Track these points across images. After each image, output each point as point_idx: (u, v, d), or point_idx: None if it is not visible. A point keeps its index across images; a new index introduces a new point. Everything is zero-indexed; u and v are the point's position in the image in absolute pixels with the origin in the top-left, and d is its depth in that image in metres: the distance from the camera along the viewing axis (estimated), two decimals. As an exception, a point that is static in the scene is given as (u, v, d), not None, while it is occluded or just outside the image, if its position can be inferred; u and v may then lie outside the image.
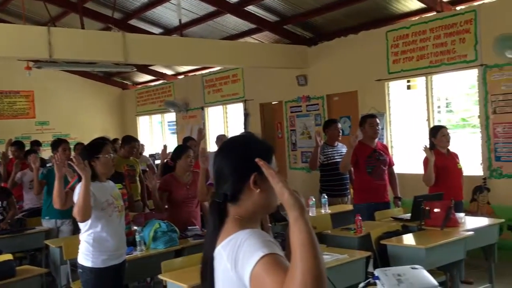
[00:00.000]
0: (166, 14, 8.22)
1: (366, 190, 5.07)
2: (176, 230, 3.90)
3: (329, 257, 3.35)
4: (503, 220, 5.00)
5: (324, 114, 7.85)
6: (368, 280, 2.69)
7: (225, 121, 9.93)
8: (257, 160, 1.43)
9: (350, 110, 7.48)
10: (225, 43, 7.99)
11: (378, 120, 5.15)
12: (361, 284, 2.70)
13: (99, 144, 3.30)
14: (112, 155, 3.30)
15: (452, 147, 5.06)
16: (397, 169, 6.82)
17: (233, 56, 7.54)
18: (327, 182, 5.73)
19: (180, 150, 4.49)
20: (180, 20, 7.06)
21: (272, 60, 7.81)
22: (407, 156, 6.77)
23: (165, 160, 5.77)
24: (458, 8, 6.15)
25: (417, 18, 6.58)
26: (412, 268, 2.63)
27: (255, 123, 9.11)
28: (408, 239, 3.95)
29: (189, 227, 4.19)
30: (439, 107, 6.58)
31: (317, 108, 8.00)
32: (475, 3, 5.98)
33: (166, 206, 4.36)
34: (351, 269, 3.36)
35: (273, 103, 8.92)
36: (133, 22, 8.67)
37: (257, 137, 1.69)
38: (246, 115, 9.23)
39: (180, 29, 7.47)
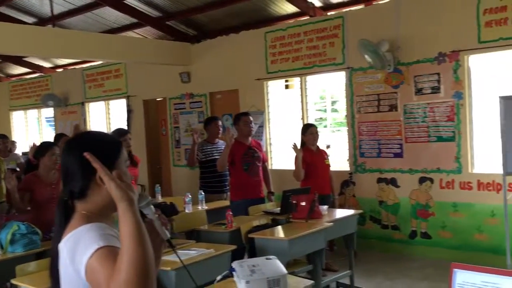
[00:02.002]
0: (38, 2, 7.72)
1: (242, 187, 5.23)
2: (37, 232, 3.70)
3: (195, 252, 3.42)
4: (361, 211, 5.46)
5: (207, 112, 7.93)
6: (226, 272, 2.79)
7: (107, 117, 9.59)
8: (85, 154, 1.42)
9: (232, 108, 7.63)
10: (105, 36, 7.72)
11: (251, 118, 5.33)
12: (218, 277, 2.79)
13: None
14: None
15: (334, 145, 5.38)
16: (276, 165, 7.17)
17: (115, 51, 7.31)
18: (206, 179, 5.80)
19: (44, 147, 4.26)
20: (52, 9, 6.67)
21: (155, 56, 7.71)
22: (285, 153, 7.09)
23: (27, 158, 5.43)
24: (328, 13, 6.57)
25: (292, 21, 6.91)
26: (267, 258, 2.77)
27: (139, 119, 8.94)
28: (274, 232, 4.16)
29: (54, 228, 4.00)
30: (324, 106, 6.97)
31: (201, 106, 8.06)
32: (343, 10, 6.44)
33: (29, 208, 4.12)
34: (217, 263, 3.45)
35: (157, 99, 8.81)
36: (2, 9, 8.03)
37: (104, 133, 1.71)
38: (129, 112, 9.02)
39: (53, 19, 7.06)
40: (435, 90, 5.57)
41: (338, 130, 6.72)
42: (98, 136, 1.64)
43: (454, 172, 5.49)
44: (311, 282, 2.87)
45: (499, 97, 4.26)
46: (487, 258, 4.99)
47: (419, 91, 5.70)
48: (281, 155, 7.10)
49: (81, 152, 1.44)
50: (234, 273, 2.70)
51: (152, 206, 1.53)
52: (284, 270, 2.64)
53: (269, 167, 7.05)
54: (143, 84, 8.73)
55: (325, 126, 6.98)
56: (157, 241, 1.57)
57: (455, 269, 2.17)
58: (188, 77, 8.09)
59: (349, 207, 6.14)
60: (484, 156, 5.45)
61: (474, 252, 5.32)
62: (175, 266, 3.12)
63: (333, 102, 6.97)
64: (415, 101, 5.74)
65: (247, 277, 2.57)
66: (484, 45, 5.19)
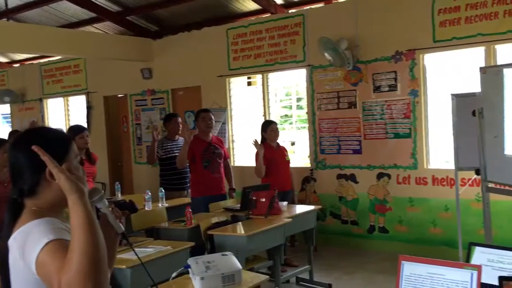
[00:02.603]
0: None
1: (203, 184, 5.21)
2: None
3: (152, 250, 3.39)
4: (320, 207, 5.53)
5: (169, 108, 7.86)
6: (181, 269, 2.78)
7: (66, 114, 9.37)
8: (33, 147, 1.40)
9: (194, 105, 7.58)
10: (63, 31, 7.53)
11: (211, 115, 5.32)
12: (174, 274, 2.78)
13: None
14: None
15: (299, 142, 5.41)
16: (238, 162, 7.18)
17: (73, 46, 7.15)
18: (167, 177, 5.76)
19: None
20: (6, 2, 6.46)
21: (116, 52, 7.58)
22: (247, 149, 7.10)
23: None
24: (290, 11, 6.62)
25: (254, 18, 6.92)
26: (223, 255, 2.79)
27: (99, 116, 8.78)
28: (233, 228, 4.17)
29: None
30: (290, 104, 7.00)
31: (162, 102, 7.98)
32: (304, 8, 6.50)
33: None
34: (175, 260, 3.43)
35: (118, 96, 8.67)
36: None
37: (54, 128, 1.69)
38: (89, 108, 8.84)
39: (8, 13, 6.84)
40: (392, 88, 5.70)
41: (303, 127, 6.79)
42: (47, 131, 1.63)
43: (410, 168, 5.64)
44: (266, 277, 2.90)
45: (451, 94, 4.40)
46: (441, 251, 5.15)
47: (377, 89, 5.83)
48: (243, 152, 7.12)
49: (29, 147, 1.42)
50: (189, 269, 2.70)
51: (105, 200, 1.55)
52: (239, 265, 2.66)
53: (232, 164, 7.08)
54: (104, 80, 8.57)
55: (291, 123, 7.05)
56: (111, 235, 1.59)
57: (403, 261, 2.24)
58: (149, 73, 7.99)
59: (310, 203, 6.22)
60: (438, 152, 5.62)
61: (429, 245, 5.48)
62: (130, 264, 3.09)
63: (299, 99, 7.04)
64: (373, 98, 5.86)
65: (202, 273, 2.57)
66: (439, 44, 5.35)
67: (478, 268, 2.03)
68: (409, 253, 4.69)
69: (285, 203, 4.77)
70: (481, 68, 3.98)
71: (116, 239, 1.62)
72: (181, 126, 5.87)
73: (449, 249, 5.17)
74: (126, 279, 3.10)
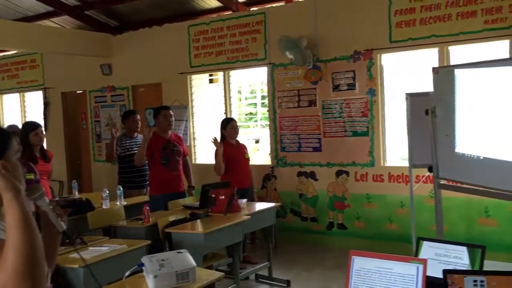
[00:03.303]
0: None
1: (161, 181, 5.16)
2: None
3: (107, 249, 3.34)
4: (279, 204, 5.57)
5: (129, 105, 7.74)
6: (134, 267, 2.75)
7: (22, 110, 9.09)
8: None
9: (155, 102, 7.48)
10: (19, 24, 7.29)
11: (171, 112, 5.28)
12: (127, 273, 2.75)
13: None
14: None
15: (263, 139, 5.37)
16: (200, 160, 7.14)
17: (30, 40, 6.95)
18: (125, 174, 5.68)
19: None
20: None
21: (74, 47, 7.41)
22: (209, 147, 7.07)
23: None
24: (251, 9, 6.63)
25: (216, 15, 6.90)
26: (178, 252, 2.77)
27: (57, 113, 8.55)
28: (192, 226, 4.15)
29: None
30: (255, 102, 7.00)
31: (123, 99, 7.86)
32: (266, 6, 6.53)
33: None
34: (130, 258, 3.38)
35: (76, 92, 8.47)
36: None
37: None
38: (46, 104, 8.60)
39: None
40: (351, 86, 5.80)
41: (267, 125, 6.81)
42: None
43: (368, 166, 5.76)
44: (221, 274, 2.90)
45: (406, 94, 4.51)
46: (397, 246, 5.28)
47: (336, 88, 5.91)
48: (205, 149, 7.09)
49: None
50: (143, 268, 2.67)
51: (46, 198, 1.53)
52: (193, 263, 2.65)
53: (193, 162, 7.05)
54: (61, 76, 8.36)
55: (255, 121, 7.06)
56: (52, 233, 1.56)
57: (353, 256, 2.29)
58: (109, 69, 7.85)
59: (270, 200, 6.24)
60: (395, 150, 5.76)
61: (385, 241, 5.61)
62: (83, 263, 3.03)
63: (264, 97, 7.06)
64: (333, 97, 5.95)
65: (155, 271, 2.55)
66: (395, 44, 5.48)
67: (424, 262, 2.10)
68: (366, 248, 4.75)
69: (244, 200, 4.78)
70: (433, 69, 4.10)
71: (57, 238, 1.59)
72: (140, 123, 5.80)
73: (404, 244, 5.30)
74: (78, 278, 3.04)
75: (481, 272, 2.08)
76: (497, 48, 4.93)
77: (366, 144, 5.76)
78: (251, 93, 7.15)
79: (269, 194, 6.50)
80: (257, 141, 7.06)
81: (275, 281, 4.88)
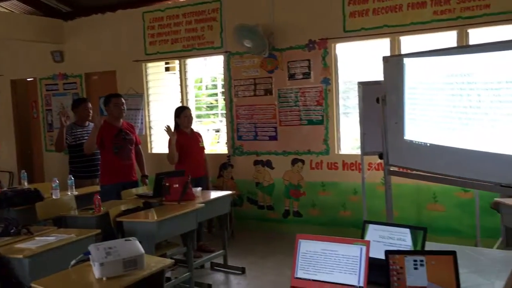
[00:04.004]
0: None
1: (113, 171, 5.07)
2: None
3: (54, 238, 3.25)
4: (234, 192, 5.57)
5: (82, 94, 7.54)
6: (80, 256, 2.69)
7: (-32, 98, 8.68)
8: None
9: (109, 90, 7.25)
10: (-37, 8, 6.97)
11: (123, 100, 5.17)
12: (73, 262, 2.68)
13: None
14: None
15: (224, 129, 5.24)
16: (156, 149, 7.05)
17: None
18: (76, 164, 5.54)
19: None
20: None
21: (23, 33, 7.13)
22: (165, 136, 6.97)
23: None
24: (207, -4, 6.55)
25: (171, 2, 6.78)
26: (126, 240, 2.72)
27: (6, 101, 8.24)
28: (144, 214, 4.09)
29: None
30: (216, 91, 6.90)
31: (75, 87, 7.64)
32: (222, -6, 6.47)
33: None
34: (79, 248, 3.30)
35: (27, 80, 8.17)
36: None
37: None
38: (-6, 92, 8.26)
39: None
40: (306, 75, 5.85)
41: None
42: None
43: (323, 154, 5.84)
44: (171, 261, 2.88)
45: (358, 82, 4.59)
46: (351, 232, 5.39)
47: (291, 76, 5.95)
48: (162, 139, 6.99)
49: None
50: (90, 256, 2.61)
51: None
52: (141, 250, 2.62)
53: (149, 151, 6.96)
54: (11, 63, 8.05)
55: (217, 110, 7.00)
56: None
57: (300, 240, 2.32)
58: (60, 56, 7.61)
59: (227, 189, 6.24)
60: (349, 138, 5.86)
61: (339, 227, 5.72)
62: (28, 253, 2.95)
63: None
64: (288, 86, 5.98)
65: (102, 259, 2.50)
66: (349, 34, 5.55)
67: (367, 243, 2.15)
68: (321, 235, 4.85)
69: (199, 188, 4.75)
70: (383, 58, 4.18)
71: None
72: (91, 111, 5.65)
73: (357, 230, 5.35)
74: (24, 269, 2.95)
75: (420, 252, 2.15)
76: (445, 38, 5.07)
77: (321, 133, 5.83)
78: (212, 81, 7.09)
79: (226, 183, 6.49)
80: (217, 131, 7.02)
81: (230, 268, 4.90)
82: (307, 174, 5.95)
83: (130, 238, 2.75)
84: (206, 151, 5.78)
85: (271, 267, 4.91)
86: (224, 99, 6.49)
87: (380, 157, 4.38)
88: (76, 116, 5.66)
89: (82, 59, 7.44)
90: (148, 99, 7.11)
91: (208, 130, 7.23)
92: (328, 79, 5.72)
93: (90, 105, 5.69)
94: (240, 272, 4.81)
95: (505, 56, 3.04)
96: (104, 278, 2.48)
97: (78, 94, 7.53)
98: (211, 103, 7.06)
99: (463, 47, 4.31)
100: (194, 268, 4.49)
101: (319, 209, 5.92)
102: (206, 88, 7.21)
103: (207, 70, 7.04)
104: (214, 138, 7.14)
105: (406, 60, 3.97)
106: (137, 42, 6.96)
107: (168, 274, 4.57)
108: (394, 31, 5.29)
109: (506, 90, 3.04)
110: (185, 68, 6.80)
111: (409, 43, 5.28)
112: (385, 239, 2.49)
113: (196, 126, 6.59)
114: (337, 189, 5.77)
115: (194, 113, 6.65)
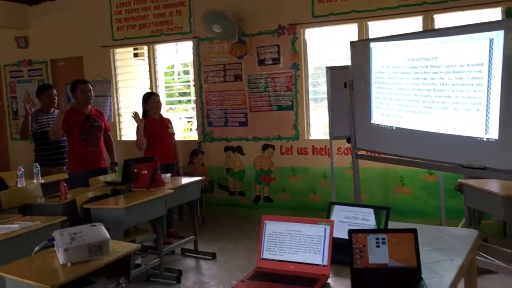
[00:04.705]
0: None
1: (81, 158, 4.98)
2: None
3: (17, 226, 3.19)
4: (204, 177, 5.54)
5: (48, 80, 7.37)
6: (44, 242, 2.65)
7: None
8: None
9: (76, 77, 7.06)
10: None
11: (90, 86, 5.07)
12: (36, 248, 2.64)
13: None
14: None
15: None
16: (126, 136, 6.96)
17: None
18: (43, 152, 5.42)
19: None
20: None
21: (-15, 17, 6.90)
22: (134, 123, 6.88)
23: None
24: (175, -19, 6.46)
25: (138, -14, 6.67)
26: (92, 225, 2.70)
27: (-32, 88, 7.97)
28: (112, 201, 4.05)
29: None
30: (188, 79, 6.83)
31: (41, 74, 7.46)
32: (190, -22, 6.38)
33: None
34: (44, 235, 3.24)
35: (-10, 66, 7.92)
36: None
37: None
38: (-44, 79, 7.98)
39: None
40: (276, 61, 5.85)
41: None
42: None
43: (293, 139, 5.87)
44: (137, 245, 2.87)
45: (326, 67, 4.62)
46: (321, 216, 5.40)
47: (261, 62, 5.94)
48: (131, 126, 6.89)
49: None
50: (54, 242, 2.58)
51: None
52: (106, 235, 2.60)
53: (119, 139, 6.87)
54: (-28, 49, 7.77)
55: (189, 99, 6.93)
56: None
57: (266, 221, 2.34)
58: (25, 42, 7.40)
59: (198, 176, 6.21)
60: (318, 123, 5.90)
61: (310, 212, 5.78)
62: (-10, 241, 2.89)
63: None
64: (258, 71, 5.97)
65: (66, 244, 2.48)
66: (318, 19, 5.57)
67: (331, 223, 2.19)
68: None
69: (168, 175, 4.72)
70: (351, 42, 4.21)
71: None
72: (56, 98, 5.52)
73: (326, 214, 5.48)
74: (-15, 257, 2.89)
75: (382, 230, 2.19)
76: (412, 24, 5.14)
77: (291, 118, 5.85)
78: (184, 67, 7.01)
79: (197, 169, 6.47)
80: (189, 120, 6.97)
81: (200, 254, 4.90)
82: (277, 159, 5.98)
83: (96, 224, 2.73)
84: (177, 138, 5.74)
85: (241, 251, 4.94)
86: (194, 85, 6.44)
87: (348, 141, 4.43)
88: (41, 103, 5.53)
89: (48, 45, 7.26)
90: (116, 85, 6.99)
91: (181, 118, 7.18)
92: (298, 65, 5.74)
93: (55, 91, 5.56)
94: (210, 258, 4.82)
95: (466, 40, 3.10)
96: (69, 264, 2.46)
97: (44, 81, 7.35)
98: (182, 90, 7.00)
99: (426, 32, 4.38)
100: (165, 254, 4.48)
101: (290, 194, 5.97)
102: (179, 75, 7.14)
103: (179, 57, 6.97)
104: (187, 125, 7.10)
105: (372, 45, 4.01)
106: (104, 27, 6.82)
107: (138, 261, 4.55)
108: (361, 16, 5.32)
109: (468, 73, 3.11)
110: (154, 54, 6.71)
111: (377, 28, 5.33)
112: (349, 219, 2.53)
113: (169, 114, 6.55)
114: (307, 174, 5.82)
115: (164, 100, 6.61)
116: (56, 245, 2.53)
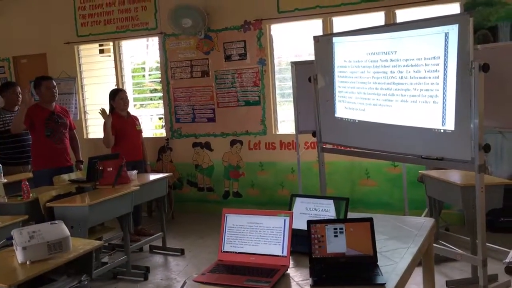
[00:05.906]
0: None
1: (45, 155, 4.89)
2: None
3: (-25, 226, 3.12)
4: (171, 174, 5.49)
5: (11, 78, 7.19)
6: (2, 241, 2.61)
7: None
8: None
9: (39, 74, 6.85)
10: None
11: (54, 83, 4.99)
12: (-6, 247, 2.61)
13: None
14: None
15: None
16: (92, 134, 6.86)
17: None
18: (6, 150, 5.29)
19: None
20: None
21: None
22: (101, 121, 6.80)
23: None
24: (141, -24, 6.39)
25: (100, -18, 6.57)
26: (52, 223, 2.66)
27: None
28: (75, 199, 4.00)
29: None
30: (150, 73, 6.77)
31: (3, 71, 7.28)
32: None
33: None
34: (3, 235, 3.19)
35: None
36: None
37: None
38: None
39: None
40: (242, 56, 5.86)
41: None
42: None
43: (260, 134, 5.90)
44: (100, 242, 2.85)
45: (291, 62, 4.66)
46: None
47: (228, 58, 5.94)
48: (98, 123, 6.80)
49: None
50: (13, 241, 2.54)
51: None
52: (66, 232, 2.57)
53: (85, 137, 6.77)
54: None
55: (160, 96, 6.85)
56: None
57: (226, 214, 2.35)
58: (-14, 38, 7.20)
59: (166, 173, 6.19)
60: (285, 118, 5.95)
61: (278, 206, 5.81)
62: None
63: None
64: (225, 67, 5.97)
65: (25, 243, 2.44)
66: (283, 15, 5.60)
67: (290, 214, 2.21)
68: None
69: (134, 172, 4.68)
70: (314, 37, 4.26)
71: None
72: (20, 96, 5.40)
73: (295, 208, 5.54)
74: None
75: (340, 220, 2.24)
76: (374, 19, 5.23)
77: (258, 113, 5.88)
78: (157, 63, 6.93)
79: (165, 166, 6.44)
80: (160, 117, 6.91)
81: (169, 250, 4.89)
82: (245, 155, 6.01)
83: (56, 222, 2.70)
84: (146, 135, 5.70)
85: (210, 246, 4.95)
86: (161, 82, 6.40)
87: (314, 135, 4.48)
88: (5, 101, 5.40)
89: (10, 42, 7.08)
90: (82, 82, 6.89)
91: (152, 115, 7.12)
92: (264, 60, 5.77)
93: (19, 89, 5.44)
94: (179, 254, 4.82)
95: (423, 34, 3.18)
96: (28, 262, 2.42)
97: (7, 79, 7.17)
98: (153, 87, 6.93)
99: (386, 26, 4.46)
100: (132, 251, 4.46)
101: (258, 189, 6.00)
102: (150, 70, 7.07)
103: (150, 54, 6.89)
104: (159, 122, 7.03)
105: (335, 40, 4.07)
106: (68, 23, 6.70)
107: (105, 259, 4.51)
108: (325, 11, 5.38)
109: (425, 67, 3.19)
110: (120, 50, 6.63)
111: (341, 23, 5.40)
112: (310, 210, 2.57)
113: (139, 111, 6.49)
114: (275, 168, 5.87)
115: (132, 97, 6.54)
116: (15, 243, 2.49)
